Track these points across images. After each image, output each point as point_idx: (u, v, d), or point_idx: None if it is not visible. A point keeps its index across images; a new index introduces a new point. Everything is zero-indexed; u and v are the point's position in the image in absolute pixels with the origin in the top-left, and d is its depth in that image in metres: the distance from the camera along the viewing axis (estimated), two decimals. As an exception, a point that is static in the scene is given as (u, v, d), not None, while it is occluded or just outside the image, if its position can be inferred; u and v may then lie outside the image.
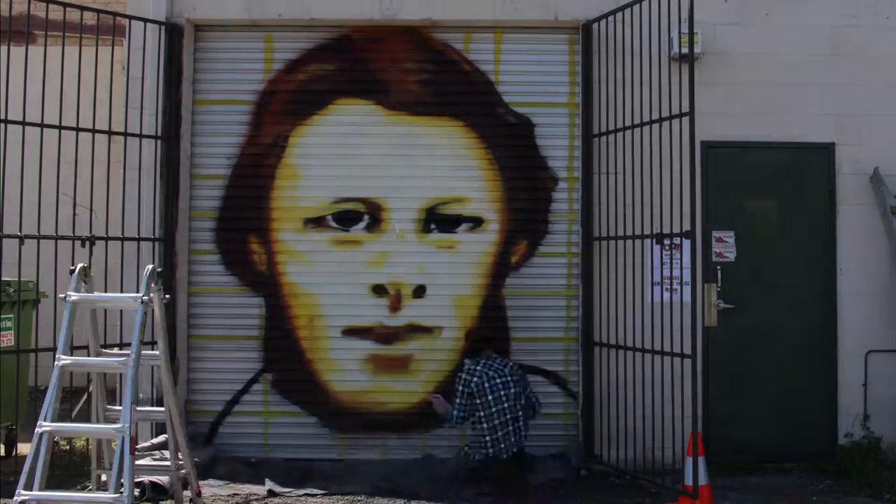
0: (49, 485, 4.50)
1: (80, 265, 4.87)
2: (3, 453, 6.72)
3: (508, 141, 6.90)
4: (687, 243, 6.06)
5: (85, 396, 6.94)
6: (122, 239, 6.48)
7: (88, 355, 5.04)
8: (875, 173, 6.76)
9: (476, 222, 6.88)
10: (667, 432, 5.97)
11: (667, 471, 5.95)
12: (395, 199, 6.85)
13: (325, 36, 6.94)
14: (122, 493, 4.35)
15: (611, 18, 6.55)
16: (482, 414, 6.08)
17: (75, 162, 6.13)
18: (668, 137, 5.79)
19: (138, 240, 6.53)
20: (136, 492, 5.69)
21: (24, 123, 5.94)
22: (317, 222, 6.87)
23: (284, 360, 6.82)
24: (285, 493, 5.90)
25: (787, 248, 6.77)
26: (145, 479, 5.81)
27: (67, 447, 6.68)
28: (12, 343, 6.43)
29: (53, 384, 4.57)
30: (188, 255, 6.84)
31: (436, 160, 6.86)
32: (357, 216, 6.86)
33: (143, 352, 4.68)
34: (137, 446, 5.93)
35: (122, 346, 6.37)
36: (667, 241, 6.08)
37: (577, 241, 6.79)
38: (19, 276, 6.35)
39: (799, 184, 6.81)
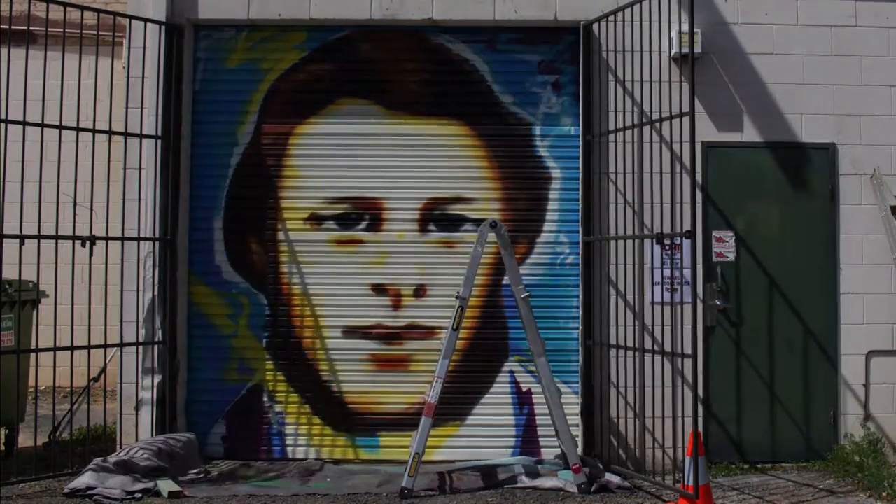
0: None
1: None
2: (2, 452, 6.72)
3: (508, 141, 6.90)
4: (687, 243, 6.06)
5: (81, 396, 6.94)
6: (122, 239, 6.48)
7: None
8: (875, 173, 6.77)
9: (476, 222, 6.87)
10: (667, 432, 5.97)
11: (667, 471, 5.95)
12: (395, 199, 6.86)
13: (325, 36, 6.95)
14: None
15: (611, 18, 6.55)
16: None
17: (76, 162, 6.14)
18: (669, 137, 5.80)
19: (138, 240, 6.53)
20: (139, 490, 5.71)
21: (24, 123, 5.94)
22: (317, 222, 6.88)
23: (285, 359, 6.82)
24: (296, 493, 5.90)
25: (787, 248, 6.77)
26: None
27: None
28: (12, 343, 6.43)
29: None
30: (188, 255, 6.84)
31: (436, 160, 6.87)
32: (358, 216, 6.87)
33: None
34: (139, 441, 5.97)
35: (122, 345, 6.38)
36: (667, 241, 6.08)
37: (576, 241, 6.79)
38: (20, 276, 6.35)
39: (799, 184, 6.81)
